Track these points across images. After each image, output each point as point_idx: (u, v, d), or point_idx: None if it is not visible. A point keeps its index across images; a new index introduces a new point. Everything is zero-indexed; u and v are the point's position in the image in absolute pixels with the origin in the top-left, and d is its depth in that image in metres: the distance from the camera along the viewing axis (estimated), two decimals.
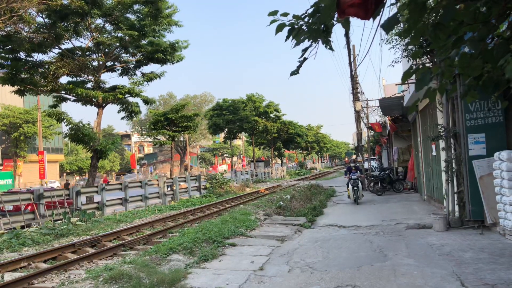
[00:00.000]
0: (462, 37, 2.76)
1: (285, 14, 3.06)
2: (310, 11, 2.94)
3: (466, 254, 6.63)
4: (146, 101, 22.41)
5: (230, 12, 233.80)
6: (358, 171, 16.02)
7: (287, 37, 3.05)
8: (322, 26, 2.94)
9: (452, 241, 7.64)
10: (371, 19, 3.02)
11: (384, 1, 2.68)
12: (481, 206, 8.38)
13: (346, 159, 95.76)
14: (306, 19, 2.98)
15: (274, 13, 3.06)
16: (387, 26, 2.71)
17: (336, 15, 2.89)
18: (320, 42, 3.05)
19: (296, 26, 3.00)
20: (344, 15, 2.70)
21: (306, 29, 2.97)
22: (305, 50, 3.10)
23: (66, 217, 13.14)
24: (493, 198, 7.94)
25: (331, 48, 3.05)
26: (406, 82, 3.76)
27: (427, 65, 9.65)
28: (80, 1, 16.78)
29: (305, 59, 3.16)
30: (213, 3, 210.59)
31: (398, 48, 11.68)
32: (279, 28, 3.04)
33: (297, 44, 3.04)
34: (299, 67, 3.21)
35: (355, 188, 15.23)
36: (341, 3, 2.63)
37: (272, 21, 3.06)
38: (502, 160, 7.46)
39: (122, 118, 23.23)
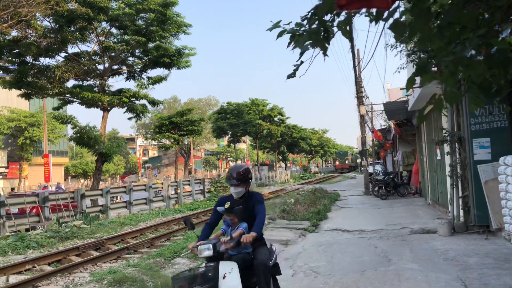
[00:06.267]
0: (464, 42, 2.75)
1: (288, 24, 3.09)
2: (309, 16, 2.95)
3: (471, 259, 6.59)
4: (153, 103, 22.41)
5: (236, 16, 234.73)
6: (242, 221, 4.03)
7: (289, 44, 3.08)
8: (323, 33, 2.95)
9: (457, 246, 7.60)
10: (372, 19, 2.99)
11: None
12: (486, 211, 8.33)
13: (337, 162, 71.06)
14: (307, 26, 3.00)
15: (277, 24, 3.10)
16: (395, 29, 2.68)
17: (337, 21, 2.89)
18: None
19: (297, 33, 3.02)
20: (350, 8, 2.62)
21: (307, 36, 2.98)
22: (301, 54, 3.11)
23: (71, 220, 13.23)
24: (498, 203, 7.89)
25: (325, 54, 3.06)
26: (412, 87, 3.75)
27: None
28: (86, 8, 16.93)
29: (302, 62, 3.18)
30: (219, 6, 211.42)
31: (403, 52, 11.65)
32: (280, 35, 3.07)
33: (299, 49, 3.06)
34: (295, 70, 3.23)
35: None
36: None
37: (273, 27, 3.09)
38: (507, 165, 7.42)
39: (130, 119, 22.90)
